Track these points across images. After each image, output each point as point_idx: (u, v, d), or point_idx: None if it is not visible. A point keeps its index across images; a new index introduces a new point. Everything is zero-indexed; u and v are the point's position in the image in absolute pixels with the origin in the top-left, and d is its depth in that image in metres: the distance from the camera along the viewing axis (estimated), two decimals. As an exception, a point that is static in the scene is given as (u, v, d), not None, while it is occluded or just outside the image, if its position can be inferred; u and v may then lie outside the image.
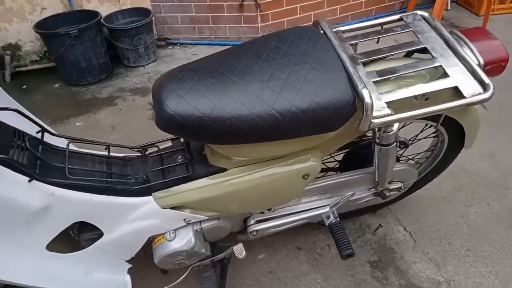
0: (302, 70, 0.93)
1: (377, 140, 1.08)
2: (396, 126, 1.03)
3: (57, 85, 2.79)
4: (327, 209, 1.29)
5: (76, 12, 2.74)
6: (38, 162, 0.96)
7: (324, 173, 1.51)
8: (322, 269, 1.53)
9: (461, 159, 1.85)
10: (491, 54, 1.02)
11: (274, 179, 1.12)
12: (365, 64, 1.03)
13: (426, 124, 1.30)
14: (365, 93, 0.87)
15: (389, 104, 0.96)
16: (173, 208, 1.15)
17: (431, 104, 1.05)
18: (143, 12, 2.86)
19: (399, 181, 1.38)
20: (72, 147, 1.09)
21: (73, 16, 2.71)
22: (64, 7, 2.76)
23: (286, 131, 0.92)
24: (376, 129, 1.06)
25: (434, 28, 1.09)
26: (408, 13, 1.14)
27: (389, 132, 1.03)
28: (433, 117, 1.14)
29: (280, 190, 1.16)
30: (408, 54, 1.13)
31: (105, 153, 1.13)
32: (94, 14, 2.65)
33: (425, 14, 1.13)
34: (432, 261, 1.53)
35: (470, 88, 0.94)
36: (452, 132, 1.30)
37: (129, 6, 2.94)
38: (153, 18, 2.85)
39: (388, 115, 0.91)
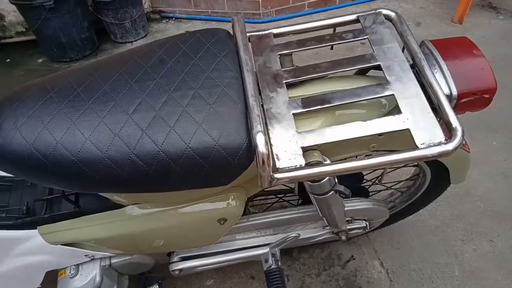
0: (183, 99, 0.66)
1: (307, 188, 0.80)
2: (327, 175, 0.75)
3: (40, 60, 2.63)
4: (267, 249, 1.05)
5: (58, -18, 2.52)
6: None
7: (282, 195, 1.26)
8: (273, 305, 1.30)
9: (466, 180, 1.53)
10: (470, 81, 0.70)
11: (180, 222, 0.89)
12: (291, 86, 0.75)
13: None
14: (258, 139, 0.60)
15: (310, 148, 0.68)
16: (66, 244, 0.95)
17: (381, 145, 0.77)
18: (134, -18, 2.60)
19: (363, 220, 1.11)
20: None
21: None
22: (47, -25, 2.54)
23: (153, 183, 0.67)
24: None
25: (401, 36, 0.77)
26: (369, 12, 0.82)
27: (319, 181, 0.76)
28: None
29: (190, 235, 0.93)
30: (364, 70, 0.82)
31: None
32: (76, -17, 2.42)
33: (392, 14, 0.80)
34: (406, 311, 1.26)
35: (427, 134, 0.65)
36: (433, 166, 1.00)
37: (119, -25, 2.68)
38: (141, -11, 2.59)
39: (299, 168, 0.64)
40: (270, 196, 1.31)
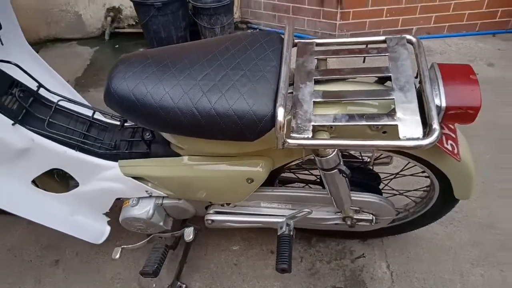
0: (235, 76, 0.94)
1: (317, 164, 1.02)
2: (332, 151, 0.97)
3: (141, 49, 3.13)
4: (283, 219, 1.27)
5: (170, -14, 3.00)
6: (24, 111, 1.16)
7: (304, 185, 1.48)
8: (284, 278, 1.51)
9: (494, 212, 1.63)
10: (459, 99, 0.87)
11: (219, 175, 1.16)
12: (318, 82, 0.98)
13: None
14: (279, 111, 0.85)
15: (320, 128, 0.91)
16: (135, 178, 1.27)
17: (381, 138, 0.97)
18: (230, -6, 3.00)
19: (370, 213, 1.28)
20: (64, 104, 1.27)
21: (166, -11, 2.97)
22: (161, -20, 3.04)
23: (203, 130, 0.94)
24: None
25: (416, 57, 0.97)
26: (395, 36, 1.03)
27: (325, 156, 0.97)
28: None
29: (225, 188, 1.19)
30: (383, 81, 1.03)
31: (90, 115, 1.29)
32: (183, -11, 2.88)
33: (413, 39, 1.00)
34: (401, 310, 1.39)
35: (410, 131, 0.84)
36: (440, 179, 1.16)
37: (218, -14, 3.10)
38: (234, 1, 2.96)
39: (306, 138, 0.87)
40: (300, 184, 1.53)
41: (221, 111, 0.91)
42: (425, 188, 1.33)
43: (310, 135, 0.87)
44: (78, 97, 1.47)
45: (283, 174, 1.36)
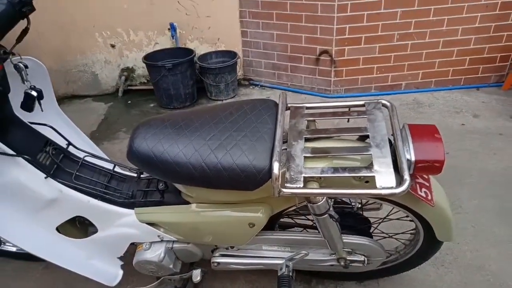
0: (238, 136, 1.12)
1: (310, 210, 1.18)
2: (322, 198, 1.12)
3: (152, 105, 3.39)
4: (282, 261, 1.40)
5: (178, 49, 3.32)
6: (55, 166, 1.34)
7: (302, 229, 1.61)
8: (285, 319, 1.60)
9: (483, 254, 1.73)
10: (426, 154, 1.04)
11: (223, 220, 1.31)
12: (308, 139, 1.16)
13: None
14: (274, 165, 1.02)
15: (310, 178, 1.07)
16: (149, 224, 1.42)
17: (363, 187, 1.13)
18: (232, 55, 3.30)
19: (362, 254, 1.41)
20: (89, 159, 1.46)
21: (175, 51, 3.28)
22: (171, 44, 3.37)
23: (211, 182, 1.11)
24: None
25: (390, 118, 1.15)
26: (372, 100, 1.22)
27: (316, 203, 1.13)
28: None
29: (229, 232, 1.33)
30: (364, 138, 1.20)
31: (111, 168, 1.47)
32: (191, 52, 3.18)
33: (388, 103, 1.20)
34: None
35: (386, 181, 1.00)
36: (423, 223, 1.30)
37: (223, 48, 3.41)
38: (237, 61, 3.26)
39: (298, 188, 1.03)
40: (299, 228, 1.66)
41: (226, 165, 1.08)
42: (411, 231, 1.46)
43: (301, 185, 1.03)
44: (100, 152, 1.66)
45: (282, 219, 1.50)
